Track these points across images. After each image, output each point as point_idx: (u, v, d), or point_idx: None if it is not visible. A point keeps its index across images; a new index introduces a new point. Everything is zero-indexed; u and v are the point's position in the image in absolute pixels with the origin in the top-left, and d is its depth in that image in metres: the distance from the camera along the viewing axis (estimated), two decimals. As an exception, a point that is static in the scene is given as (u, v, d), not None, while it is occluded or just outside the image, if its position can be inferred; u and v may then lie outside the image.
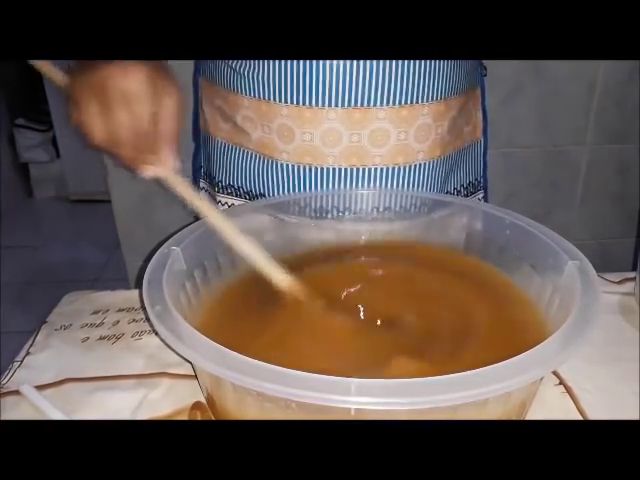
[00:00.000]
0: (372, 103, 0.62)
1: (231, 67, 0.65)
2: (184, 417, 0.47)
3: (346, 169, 0.65)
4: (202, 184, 0.79)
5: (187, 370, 0.52)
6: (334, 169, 0.65)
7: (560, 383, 0.51)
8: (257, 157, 0.68)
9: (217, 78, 0.68)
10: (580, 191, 1.32)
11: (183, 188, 0.52)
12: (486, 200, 0.79)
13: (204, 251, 0.56)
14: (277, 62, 0.61)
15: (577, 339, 0.40)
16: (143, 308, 0.56)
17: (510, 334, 0.49)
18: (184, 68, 0.67)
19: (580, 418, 0.47)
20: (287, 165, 0.66)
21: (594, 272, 0.48)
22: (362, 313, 0.53)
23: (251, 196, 0.70)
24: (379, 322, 0.52)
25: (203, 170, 0.78)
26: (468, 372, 0.36)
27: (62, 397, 0.50)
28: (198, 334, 0.41)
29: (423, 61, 0.61)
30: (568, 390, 0.50)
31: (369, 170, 0.65)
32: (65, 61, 0.54)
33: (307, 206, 0.64)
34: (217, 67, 0.68)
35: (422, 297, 0.55)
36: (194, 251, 0.54)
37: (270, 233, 0.62)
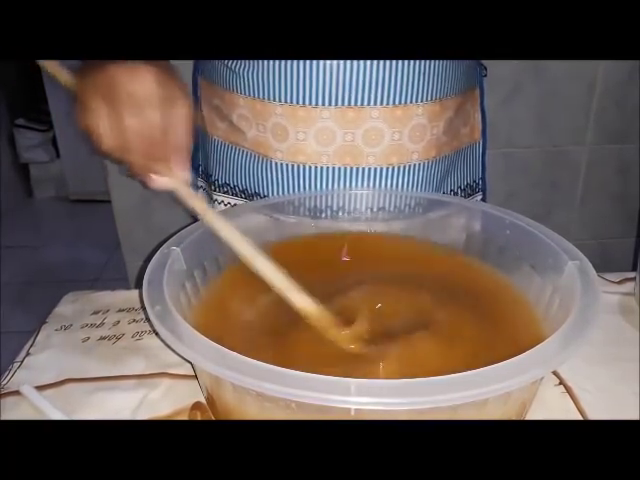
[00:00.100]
0: (365, 102, 0.62)
1: (227, 66, 0.65)
2: (184, 417, 0.47)
3: (340, 168, 0.65)
4: (200, 183, 0.79)
5: (187, 370, 0.52)
6: (328, 168, 0.65)
7: (560, 383, 0.51)
8: (252, 156, 0.68)
9: (214, 77, 0.68)
10: (580, 191, 1.32)
11: (195, 201, 0.49)
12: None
13: (204, 251, 0.56)
14: (272, 61, 0.62)
15: (577, 339, 0.40)
16: (143, 308, 0.56)
17: (510, 334, 0.49)
18: (184, 68, 0.67)
19: (580, 418, 0.47)
20: (281, 164, 0.66)
21: (594, 272, 0.48)
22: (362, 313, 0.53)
23: (247, 195, 0.70)
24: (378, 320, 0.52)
25: (201, 169, 0.78)
26: (468, 372, 0.36)
27: (62, 397, 0.50)
28: (198, 334, 0.41)
29: (418, 61, 0.61)
30: (568, 390, 0.50)
31: (363, 170, 0.65)
32: (71, 62, 0.53)
33: (301, 205, 0.64)
34: (214, 67, 0.68)
35: (419, 298, 0.55)
36: (194, 251, 0.54)
37: (268, 233, 0.62)
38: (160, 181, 0.49)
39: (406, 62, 0.61)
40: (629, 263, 1.35)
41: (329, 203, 0.65)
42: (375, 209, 0.65)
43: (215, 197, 0.73)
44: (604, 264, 1.05)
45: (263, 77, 0.63)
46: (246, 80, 0.64)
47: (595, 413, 0.47)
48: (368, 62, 0.60)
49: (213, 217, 0.50)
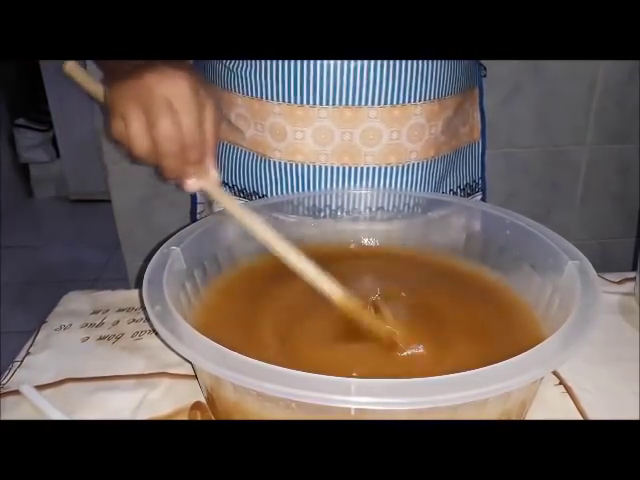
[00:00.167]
0: (363, 102, 0.62)
1: (225, 66, 0.66)
2: (184, 417, 0.47)
3: (338, 168, 0.65)
4: None
5: (187, 370, 0.52)
6: (326, 168, 0.65)
7: (560, 383, 0.51)
8: (251, 155, 0.68)
9: (213, 77, 0.68)
10: (580, 191, 1.32)
11: (228, 201, 0.52)
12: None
13: (204, 251, 0.56)
14: (270, 61, 0.62)
15: (577, 339, 0.40)
16: (143, 308, 0.56)
17: (510, 334, 0.49)
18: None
19: (580, 418, 0.47)
20: (280, 163, 0.66)
21: (594, 272, 0.48)
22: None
23: (245, 194, 0.70)
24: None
25: None
26: (468, 372, 0.36)
27: (62, 397, 0.50)
28: (198, 334, 0.41)
29: (416, 61, 0.61)
30: (568, 390, 0.50)
31: (362, 169, 0.65)
32: (97, 69, 0.55)
33: (300, 205, 0.64)
34: (213, 66, 0.68)
35: (420, 298, 0.55)
36: (194, 251, 0.54)
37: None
38: (194, 183, 0.51)
39: (404, 62, 0.61)
40: (629, 263, 1.35)
41: (328, 203, 0.65)
42: (374, 209, 0.65)
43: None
44: (604, 264, 1.05)
45: (261, 77, 0.63)
46: (244, 80, 0.64)
47: (595, 413, 0.47)
48: (366, 62, 0.60)
49: (243, 214, 0.51)
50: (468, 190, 0.75)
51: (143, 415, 0.48)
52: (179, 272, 0.51)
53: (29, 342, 0.57)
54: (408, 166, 0.66)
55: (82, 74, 0.53)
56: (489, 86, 0.76)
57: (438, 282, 0.57)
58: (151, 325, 0.57)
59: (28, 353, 0.56)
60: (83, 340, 0.57)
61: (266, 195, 0.68)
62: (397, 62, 0.61)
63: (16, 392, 0.50)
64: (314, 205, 0.64)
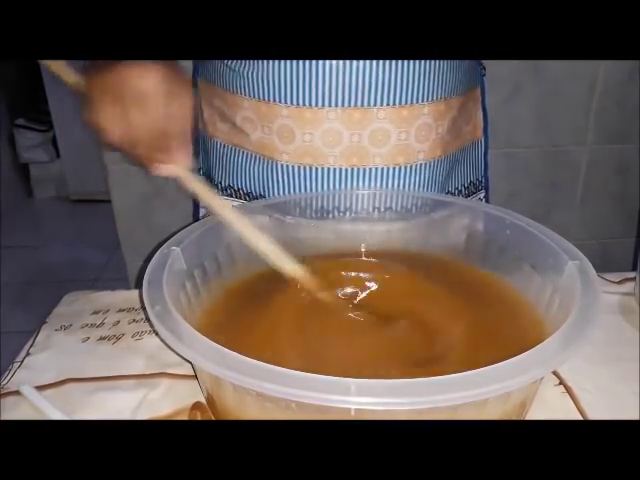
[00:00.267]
0: (372, 103, 0.62)
1: (230, 67, 0.65)
2: (184, 417, 0.47)
3: (347, 169, 0.65)
4: None
5: (187, 370, 0.52)
6: (334, 169, 0.65)
7: (560, 383, 0.51)
8: (256, 158, 0.67)
9: (215, 79, 0.68)
10: (580, 191, 1.32)
11: (196, 185, 0.53)
12: (487, 200, 0.78)
13: (204, 251, 0.56)
14: (277, 62, 0.61)
15: (577, 339, 0.40)
16: (143, 308, 0.56)
17: (510, 334, 0.49)
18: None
19: (580, 418, 0.47)
20: (287, 166, 0.65)
21: (594, 272, 0.48)
22: (361, 313, 0.53)
23: (251, 197, 0.70)
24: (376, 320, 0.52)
25: (202, 171, 0.78)
26: (468, 372, 0.36)
27: (62, 397, 0.50)
28: (198, 334, 0.41)
29: (423, 61, 0.61)
30: (568, 390, 0.50)
31: (370, 170, 0.65)
32: (76, 61, 0.54)
33: (308, 207, 0.64)
34: (215, 68, 0.68)
35: (420, 298, 0.55)
36: (194, 251, 0.54)
37: (270, 234, 0.62)
38: (163, 169, 0.52)
39: (411, 62, 0.61)
40: (629, 263, 1.35)
41: (336, 204, 0.65)
42: (382, 209, 0.65)
43: None
44: (604, 264, 1.04)
45: (268, 78, 0.62)
46: (250, 81, 0.64)
47: (595, 413, 0.47)
48: (374, 63, 0.60)
49: (211, 198, 0.53)
50: (472, 188, 0.75)
51: (143, 415, 0.48)
52: (179, 272, 0.51)
53: (29, 342, 0.57)
54: (416, 166, 0.66)
55: (59, 64, 0.53)
56: (489, 86, 0.76)
57: (438, 282, 0.57)
58: (151, 325, 0.57)
59: (28, 354, 0.56)
60: (83, 340, 0.57)
61: None
62: (404, 62, 0.61)
63: (16, 392, 0.50)
64: (322, 206, 0.64)
